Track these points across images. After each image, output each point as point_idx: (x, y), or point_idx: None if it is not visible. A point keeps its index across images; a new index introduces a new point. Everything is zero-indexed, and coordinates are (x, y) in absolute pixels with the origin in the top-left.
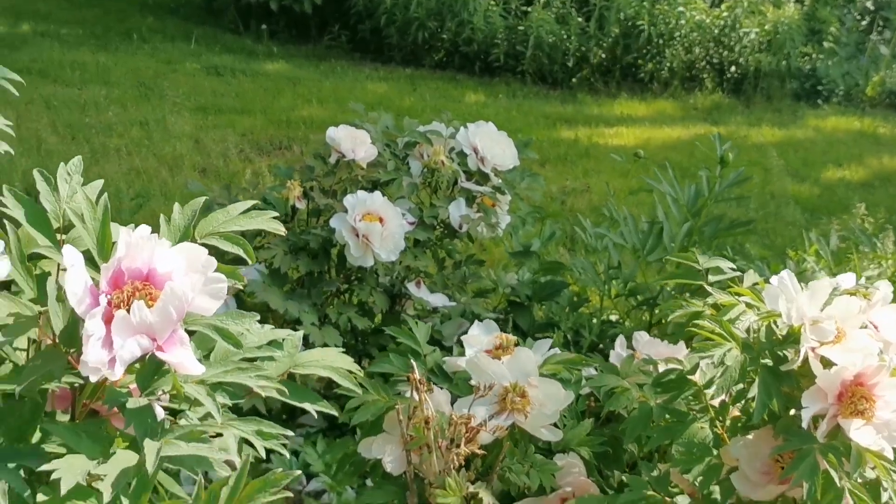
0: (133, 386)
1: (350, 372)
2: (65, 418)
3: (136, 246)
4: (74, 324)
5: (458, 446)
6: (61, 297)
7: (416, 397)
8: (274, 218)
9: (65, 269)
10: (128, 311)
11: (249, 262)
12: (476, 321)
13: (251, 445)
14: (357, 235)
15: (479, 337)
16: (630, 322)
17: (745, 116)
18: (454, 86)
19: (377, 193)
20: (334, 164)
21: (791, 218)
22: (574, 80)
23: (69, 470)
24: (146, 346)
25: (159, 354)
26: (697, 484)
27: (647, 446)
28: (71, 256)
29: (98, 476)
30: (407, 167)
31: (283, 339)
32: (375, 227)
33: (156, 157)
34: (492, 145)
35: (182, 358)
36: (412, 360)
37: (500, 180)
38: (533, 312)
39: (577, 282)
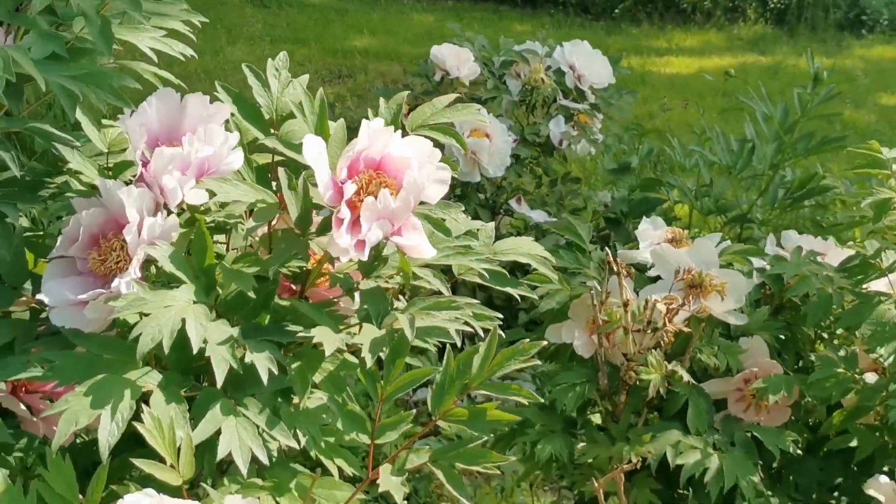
0: (350, 272)
1: (545, 259)
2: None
3: (376, 136)
4: (308, 210)
5: (655, 329)
6: (293, 186)
7: (616, 281)
8: None
9: (279, 161)
10: (376, 198)
11: (464, 151)
12: (643, 217)
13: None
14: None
15: (650, 231)
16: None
17: (790, 47)
18: (498, 17)
19: (484, 110)
20: (438, 81)
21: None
22: (616, 11)
23: (327, 337)
24: (388, 230)
25: (395, 239)
26: (887, 362)
27: (837, 326)
28: (315, 146)
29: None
30: (504, 86)
31: (478, 230)
32: (484, 143)
33: None
34: (588, 63)
35: (416, 241)
36: (606, 251)
37: (594, 98)
38: (629, 229)
39: (670, 200)
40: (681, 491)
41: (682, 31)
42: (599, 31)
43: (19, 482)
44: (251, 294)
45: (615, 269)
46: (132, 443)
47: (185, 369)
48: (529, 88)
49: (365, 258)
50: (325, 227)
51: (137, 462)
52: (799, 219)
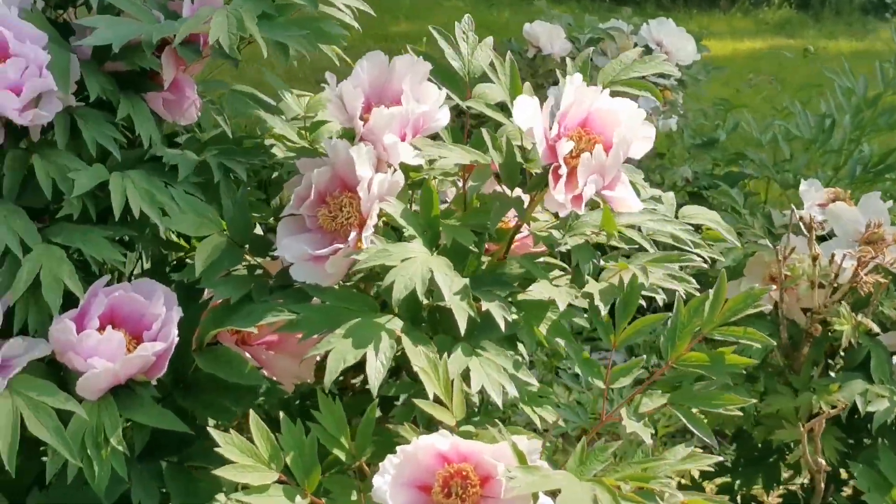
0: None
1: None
2: None
3: (582, 93)
4: (514, 169)
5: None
6: (498, 146)
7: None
8: None
9: (477, 120)
10: (591, 153)
11: (658, 102)
12: (801, 179)
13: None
14: None
15: (812, 192)
16: None
17: (817, 30)
18: (528, 2)
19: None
20: (532, 57)
21: None
22: None
23: (555, 292)
24: (600, 184)
25: (606, 192)
26: None
27: None
28: (528, 107)
29: None
30: (592, 63)
31: (660, 196)
32: None
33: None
34: (675, 40)
35: (625, 195)
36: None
37: (680, 74)
38: (711, 203)
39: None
40: (866, 441)
41: (707, 16)
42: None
43: (299, 424)
44: (473, 248)
45: (804, 226)
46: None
47: (413, 318)
48: None
49: (582, 211)
50: (534, 185)
51: (418, 402)
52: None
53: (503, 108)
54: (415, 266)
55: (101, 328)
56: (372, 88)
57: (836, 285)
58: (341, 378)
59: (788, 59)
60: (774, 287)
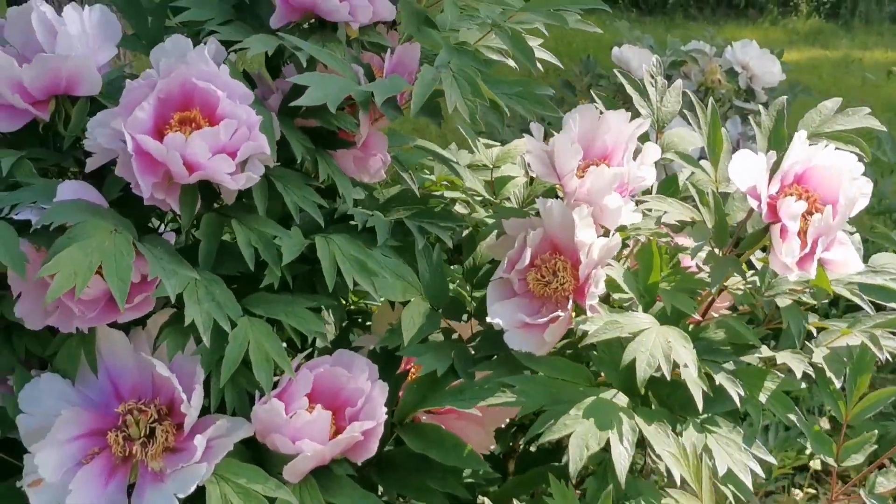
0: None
1: None
2: None
3: (801, 150)
4: (724, 227)
5: None
6: (705, 202)
7: None
8: None
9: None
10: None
11: (866, 159)
12: None
13: None
14: None
15: None
16: None
17: (849, 40)
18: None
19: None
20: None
21: None
22: (668, 4)
23: (791, 359)
24: (825, 245)
25: (825, 254)
26: None
27: None
28: (751, 161)
29: None
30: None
31: None
32: None
33: None
34: (760, 63)
35: (845, 256)
36: None
37: (765, 96)
38: None
39: None
40: None
41: (735, 25)
42: (658, 26)
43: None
44: (694, 314)
45: None
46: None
47: (629, 390)
48: (704, 89)
49: (812, 274)
50: (749, 244)
51: (671, 492)
52: None
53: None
54: (651, 338)
55: (311, 407)
56: (581, 142)
57: None
58: (510, 444)
59: (869, 78)
60: None
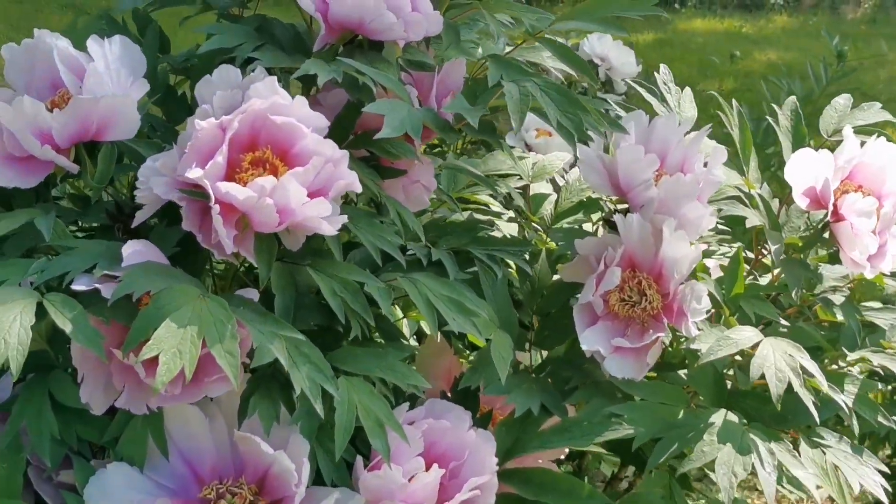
0: None
1: None
2: None
3: (854, 146)
4: (777, 227)
5: None
6: (754, 204)
7: None
8: None
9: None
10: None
11: None
12: None
13: None
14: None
15: None
16: None
17: None
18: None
19: None
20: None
21: None
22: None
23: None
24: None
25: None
26: None
27: None
28: (813, 159)
29: None
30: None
31: None
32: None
33: None
34: (619, 54)
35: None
36: None
37: (624, 87)
38: None
39: None
40: None
41: (750, 18)
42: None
43: None
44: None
45: None
46: None
47: (717, 402)
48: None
49: (887, 269)
50: (809, 243)
51: None
52: None
53: None
54: (769, 352)
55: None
56: None
57: None
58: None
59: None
60: None
